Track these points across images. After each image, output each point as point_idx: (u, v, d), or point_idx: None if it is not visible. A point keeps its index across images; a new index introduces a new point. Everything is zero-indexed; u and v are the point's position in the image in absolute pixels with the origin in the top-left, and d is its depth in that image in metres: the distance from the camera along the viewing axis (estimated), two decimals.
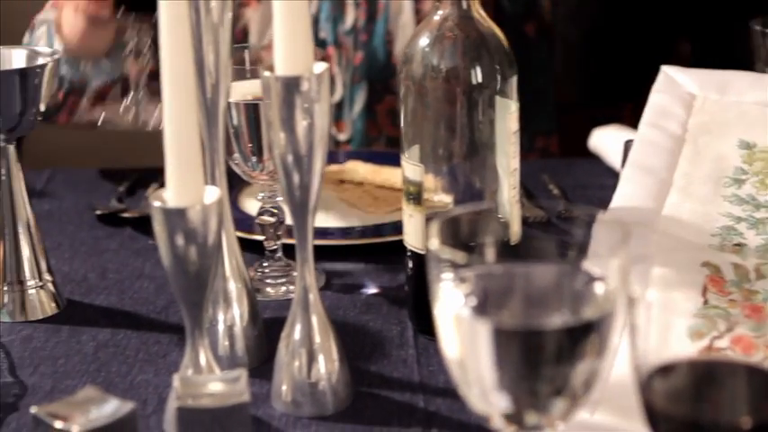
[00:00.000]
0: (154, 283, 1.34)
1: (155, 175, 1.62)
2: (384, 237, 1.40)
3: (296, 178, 1.04)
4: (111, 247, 1.44)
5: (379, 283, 1.32)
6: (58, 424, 0.92)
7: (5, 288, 1.26)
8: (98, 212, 1.52)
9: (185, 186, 0.98)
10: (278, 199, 1.29)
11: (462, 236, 0.84)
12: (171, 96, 0.97)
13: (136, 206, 1.54)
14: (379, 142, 1.84)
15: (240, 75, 1.27)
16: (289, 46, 1.02)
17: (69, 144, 2.42)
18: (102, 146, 2.50)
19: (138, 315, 1.28)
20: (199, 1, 1.08)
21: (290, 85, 1.01)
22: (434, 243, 0.80)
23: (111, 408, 0.93)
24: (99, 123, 1.63)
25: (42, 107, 1.23)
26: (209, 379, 0.98)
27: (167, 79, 0.97)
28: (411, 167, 1.16)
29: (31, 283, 1.27)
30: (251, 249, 1.33)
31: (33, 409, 0.95)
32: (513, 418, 0.79)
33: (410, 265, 1.19)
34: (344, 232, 1.43)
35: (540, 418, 0.79)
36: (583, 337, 0.78)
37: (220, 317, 1.14)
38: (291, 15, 1.01)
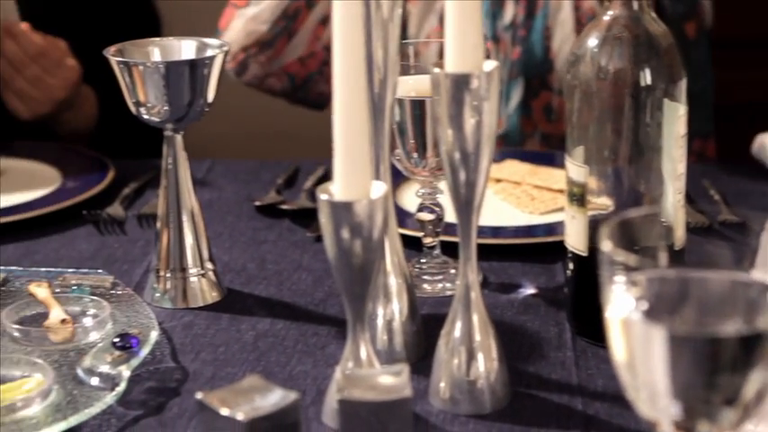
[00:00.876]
0: (312, 276, 1.35)
1: (313, 168, 1.64)
2: (541, 237, 1.39)
3: (462, 176, 1.04)
4: (269, 238, 1.46)
5: (536, 283, 1.31)
6: (224, 411, 0.93)
7: (168, 275, 1.29)
8: (257, 204, 1.54)
9: (353, 180, 0.99)
10: (438, 196, 1.29)
11: (631, 239, 0.83)
12: (342, 91, 0.97)
13: (294, 198, 1.55)
14: (534, 138, 1.83)
15: (404, 70, 1.27)
16: (459, 43, 1.02)
17: (228, 135, 2.46)
18: (261, 137, 2.54)
19: (297, 306, 1.29)
20: None
21: (460, 83, 1.01)
22: (607, 245, 0.79)
23: (276, 397, 0.95)
24: None
25: (210, 98, 1.25)
26: (371, 372, 0.98)
27: (339, 74, 0.97)
28: (575, 168, 1.15)
29: (193, 270, 1.29)
30: (407, 245, 1.33)
31: (199, 395, 0.96)
32: (683, 425, 0.78)
33: (570, 266, 1.18)
34: (497, 231, 1.42)
35: (711, 427, 0.78)
36: (758, 346, 0.76)
37: (380, 311, 1.15)
38: (464, 13, 1.01)
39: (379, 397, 0.93)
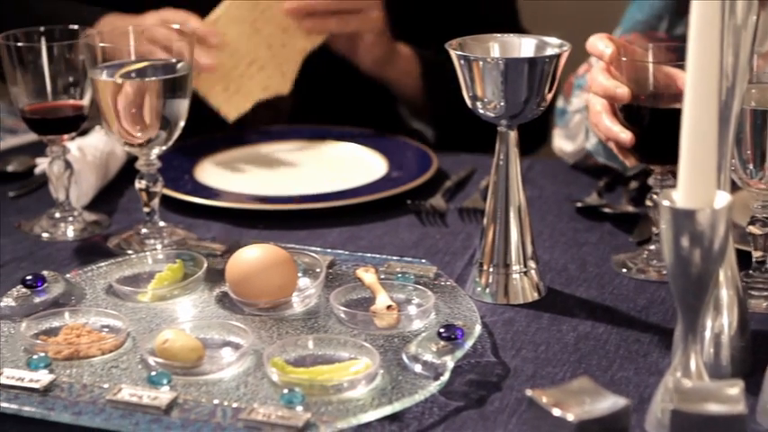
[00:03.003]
0: (634, 281, 1.34)
1: (634, 175, 1.62)
2: None
3: None
4: (590, 240, 1.45)
5: None
6: (556, 411, 0.93)
7: (491, 269, 1.30)
8: (578, 205, 1.54)
9: (697, 188, 0.97)
10: None
11: None
12: (694, 97, 0.96)
13: (616, 202, 1.54)
14: None
15: None
16: None
17: None
18: None
19: (618, 311, 1.28)
20: (725, 1, 1.06)
21: None
22: None
23: (607, 402, 0.94)
24: None
25: (547, 96, 1.25)
26: (703, 385, 0.96)
27: (692, 80, 0.96)
28: None
29: (515, 267, 1.30)
30: None
31: (529, 392, 0.96)
32: None
33: None
34: None
35: None
36: None
37: (708, 323, 1.12)
38: None
39: (714, 410, 0.91)
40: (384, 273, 1.31)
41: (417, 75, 1.87)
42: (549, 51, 1.26)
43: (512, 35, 1.29)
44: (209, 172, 1.67)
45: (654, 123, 1.27)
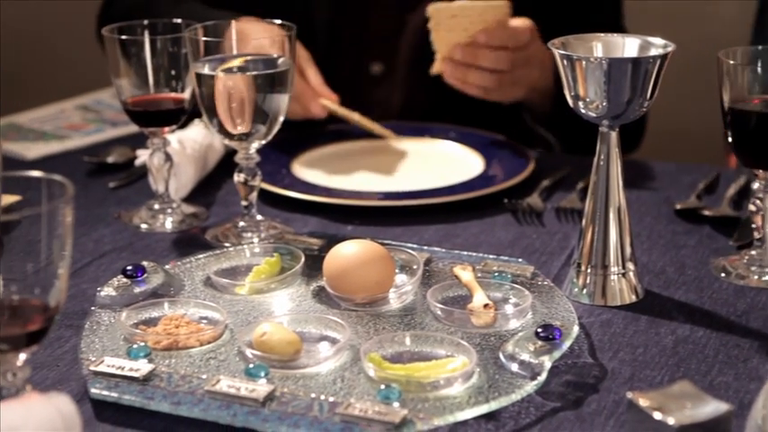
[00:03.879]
0: (733, 286, 1.32)
1: (734, 176, 1.60)
2: None
3: None
4: (689, 243, 1.44)
5: None
6: (657, 415, 0.92)
7: (589, 270, 1.29)
8: (677, 207, 1.52)
9: None
10: None
11: None
12: None
13: (715, 205, 1.52)
14: None
15: None
16: None
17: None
18: (676, 137, 2.51)
19: (717, 315, 1.26)
20: None
21: None
22: None
23: (708, 407, 0.93)
24: None
25: (650, 97, 1.23)
26: None
27: None
28: None
29: (614, 269, 1.29)
30: None
31: (629, 395, 0.96)
32: None
33: None
34: None
35: None
36: None
37: None
38: None
39: None
40: (481, 271, 1.30)
41: (550, 86, 1.81)
42: (654, 52, 1.25)
43: (615, 35, 1.28)
44: (307, 167, 1.67)
45: (759, 128, 1.26)
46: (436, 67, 1.70)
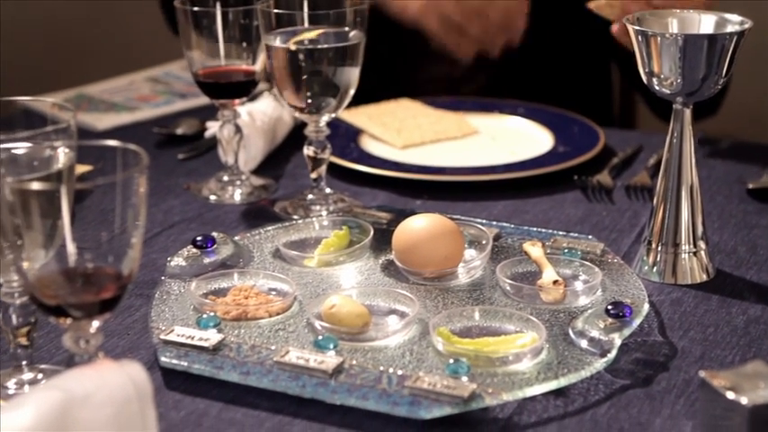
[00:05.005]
0: None
1: None
2: None
3: None
4: (761, 222, 1.42)
5: None
6: (730, 394, 0.91)
7: (660, 248, 1.28)
8: (749, 186, 1.50)
9: None
10: None
11: None
12: None
13: None
14: None
15: None
16: None
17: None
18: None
19: None
20: None
21: None
22: None
23: None
24: None
25: (725, 75, 1.22)
26: None
27: None
28: None
29: (685, 247, 1.27)
30: None
31: (702, 374, 0.95)
32: None
33: None
34: None
35: None
36: None
37: None
38: None
39: None
40: (550, 247, 1.30)
41: None
42: (730, 29, 1.23)
43: (691, 11, 1.27)
44: (376, 141, 1.67)
45: None
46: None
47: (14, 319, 1.06)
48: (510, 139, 1.68)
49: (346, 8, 1.40)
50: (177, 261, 1.27)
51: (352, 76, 1.40)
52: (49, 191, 0.90)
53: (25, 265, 0.92)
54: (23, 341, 1.07)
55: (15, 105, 1.09)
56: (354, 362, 1.09)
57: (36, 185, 0.90)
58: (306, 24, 1.42)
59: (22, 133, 1.00)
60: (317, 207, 1.46)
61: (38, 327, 1.07)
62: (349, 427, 1.03)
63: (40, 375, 1.08)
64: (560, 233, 1.34)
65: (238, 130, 1.52)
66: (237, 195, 1.52)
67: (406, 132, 1.67)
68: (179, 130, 1.73)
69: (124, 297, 0.95)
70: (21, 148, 0.97)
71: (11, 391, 1.06)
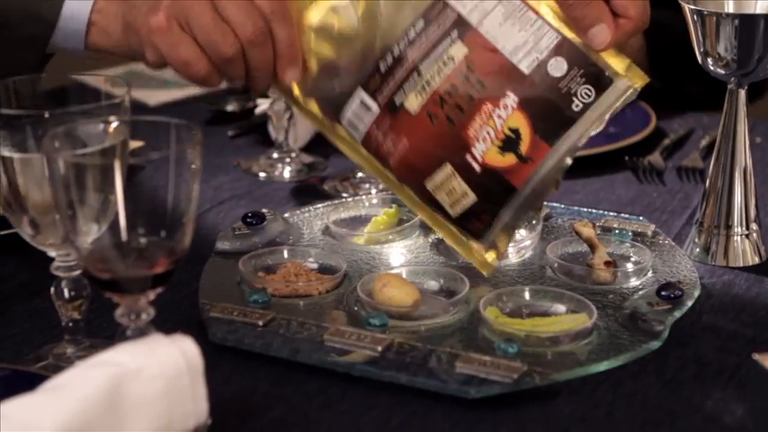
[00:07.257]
0: None
1: None
2: None
3: None
4: None
5: None
6: None
7: (712, 230, 1.27)
8: None
9: None
10: None
11: None
12: None
13: None
14: None
15: None
16: None
17: None
18: None
19: None
20: None
21: None
22: None
23: None
24: None
25: None
26: None
27: None
28: None
29: (737, 229, 1.26)
30: None
31: (755, 356, 0.94)
32: None
33: None
34: None
35: None
36: None
37: None
38: None
39: None
40: (601, 228, 1.29)
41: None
42: None
43: None
44: None
45: None
46: None
47: (67, 293, 1.06)
48: None
49: None
50: (227, 237, 1.28)
51: None
52: (103, 165, 0.90)
53: (78, 239, 0.92)
54: (75, 315, 1.07)
55: (70, 80, 1.10)
56: (404, 340, 1.09)
57: (90, 160, 0.90)
58: None
59: (77, 108, 1.01)
60: (367, 185, 1.46)
61: (90, 300, 1.08)
62: (397, 405, 1.03)
63: (92, 349, 1.09)
64: (611, 214, 1.33)
65: (288, 107, 1.52)
66: (287, 173, 1.52)
67: None
68: (229, 107, 1.73)
69: (175, 272, 0.96)
70: (75, 122, 0.97)
71: (63, 365, 1.07)
